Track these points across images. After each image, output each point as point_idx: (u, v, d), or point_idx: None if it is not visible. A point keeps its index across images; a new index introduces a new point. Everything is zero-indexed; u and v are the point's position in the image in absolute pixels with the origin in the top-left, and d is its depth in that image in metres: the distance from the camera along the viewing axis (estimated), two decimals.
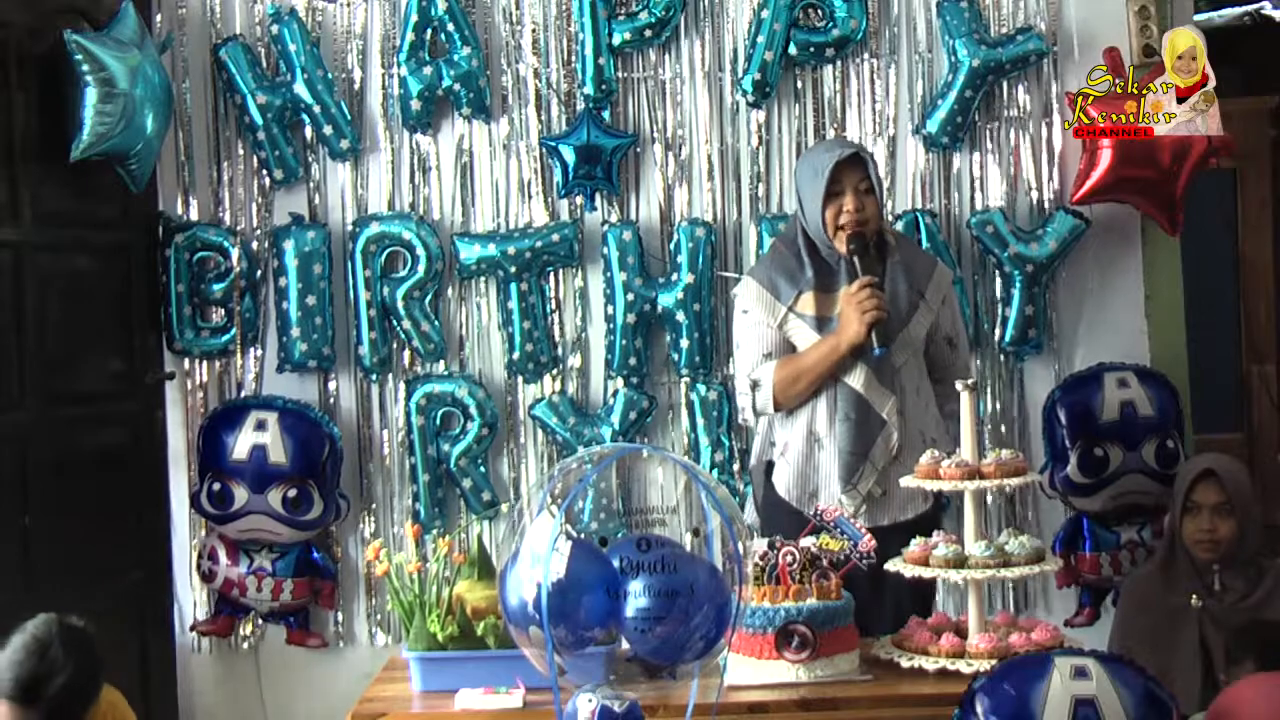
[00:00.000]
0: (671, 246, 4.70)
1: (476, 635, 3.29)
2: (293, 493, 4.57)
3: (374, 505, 4.80)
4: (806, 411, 3.91)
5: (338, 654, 4.80)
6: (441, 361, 4.76)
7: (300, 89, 4.69)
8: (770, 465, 3.98)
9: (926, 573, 3.38)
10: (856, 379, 3.86)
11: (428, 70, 4.70)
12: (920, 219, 4.67)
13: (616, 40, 4.71)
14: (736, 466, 4.65)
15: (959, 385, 3.50)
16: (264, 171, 4.77)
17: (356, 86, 4.80)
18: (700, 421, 4.67)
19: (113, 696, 3.19)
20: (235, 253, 4.71)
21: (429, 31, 4.71)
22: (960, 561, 3.33)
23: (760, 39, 4.68)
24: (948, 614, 3.64)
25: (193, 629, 4.78)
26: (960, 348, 4.07)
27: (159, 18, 4.76)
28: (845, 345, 3.81)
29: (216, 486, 4.60)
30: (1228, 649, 3.61)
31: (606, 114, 4.74)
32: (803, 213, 3.95)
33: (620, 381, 4.72)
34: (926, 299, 3.96)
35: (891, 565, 3.50)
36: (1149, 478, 4.57)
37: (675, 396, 4.75)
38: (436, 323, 4.74)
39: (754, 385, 3.92)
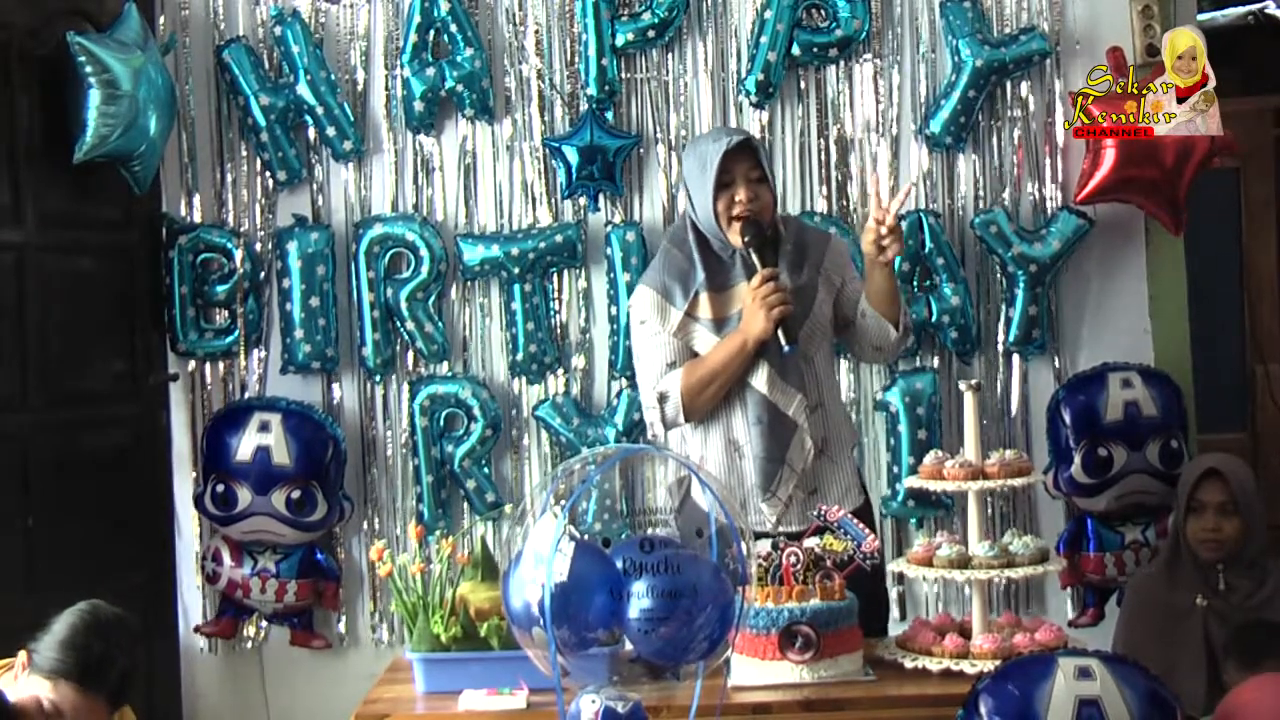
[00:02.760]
0: None
1: (480, 636, 3.30)
2: (296, 494, 4.58)
3: (377, 506, 4.80)
4: (722, 421, 3.76)
5: (341, 655, 4.81)
6: (445, 363, 4.77)
7: (303, 90, 4.69)
8: (683, 482, 3.81)
9: (930, 573, 3.38)
10: (759, 380, 3.70)
11: (431, 71, 4.70)
12: (924, 219, 4.67)
13: (619, 41, 4.71)
14: None
15: (962, 385, 3.50)
16: (267, 173, 4.78)
17: (359, 88, 4.80)
18: None
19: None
20: (239, 254, 4.72)
21: (432, 33, 4.71)
22: (964, 562, 3.33)
23: (763, 39, 4.68)
24: (950, 614, 3.64)
25: (197, 630, 4.78)
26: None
27: (162, 19, 4.76)
28: (752, 342, 3.65)
29: (220, 488, 4.61)
30: (1227, 648, 3.61)
31: (610, 115, 4.74)
32: (692, 207, 3.80)
33: (624, 382, 4.71)
34: (824, 274, 3.81)
35: (895, 565, 3.50)
36: (1153, 478, 4.56)
37: None
38: (440, 324, 4.74)
39: (662, 398, 3.74)
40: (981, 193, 4.77)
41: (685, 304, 3.76)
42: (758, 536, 3.50)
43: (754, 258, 3.69)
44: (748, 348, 3.68)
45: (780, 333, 3.63)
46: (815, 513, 3.39)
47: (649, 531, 2.95)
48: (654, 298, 3.80)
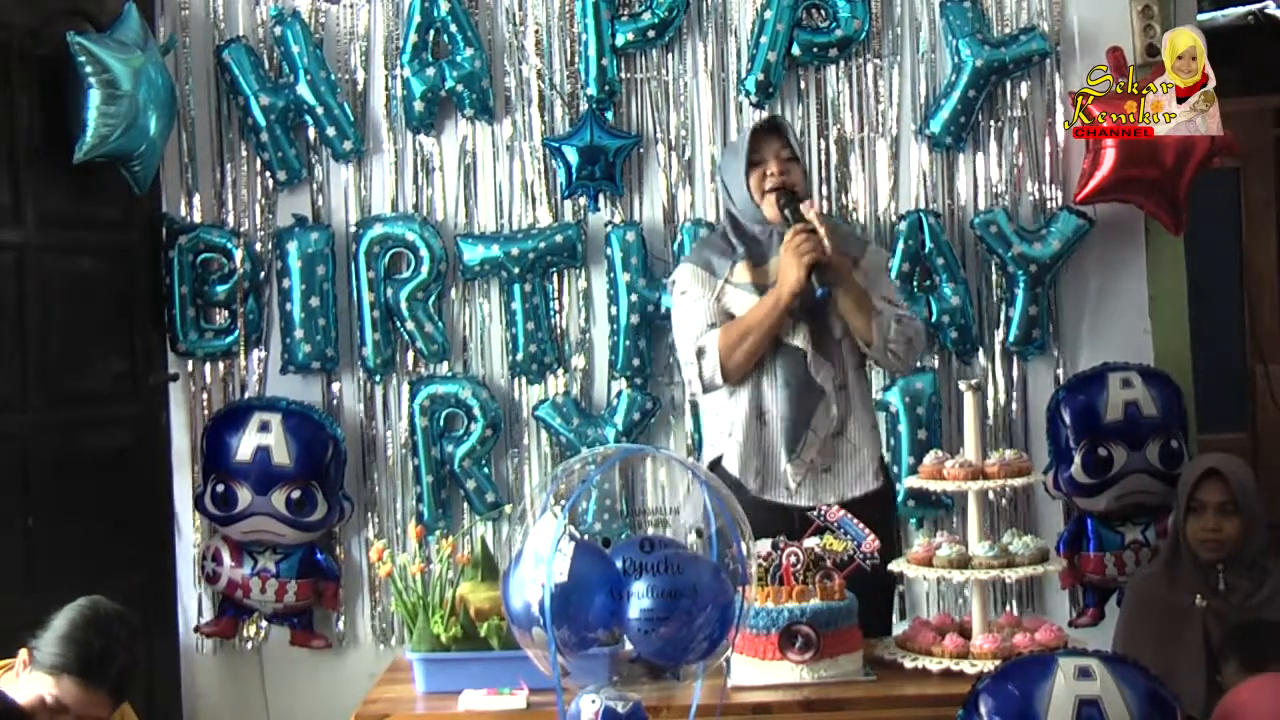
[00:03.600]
0: (675, 247, 4.70)
1: (480, 636, 3.30)
2: (296, 494, 4.58)
3: (377, 506, 4.80)
4: (750, 387, 3.83)
5: (341, 655, 4.81)
6: (445, 363, 4.77)
7: (303, 90, 4.69)
8: (717, 460, 3.88)
9: (930, 573, 3.38)
10: (800, 338, 3.80)
11: (430, 71, 4.70)
12: (924, 219, 4.67)
13: (620, 41, 4.71)
14: None
15: (962, 385, 3.50)
16: (267, 173, 4.78)
17: (359, 88, 4.80)
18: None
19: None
20: (239, 254, 4.72)
21: (432, 33, 4.71)
22: (964, 562, 3.33)
23: (763, 39, 4.68)
24: (950, 614, 3.64)
25: (196, 630, 4.78)
26: (897, 305, 3.92)
27: (162, 19, 4.76)
28: (787, 293, 3.72)
29: (220, 488, 4.61)
30: (1225, 649, 3.60)
31: (610, 115, 4.74)
32: (729, 195, 3.93)
33: (624, 382, 4.72)
34: (861, 266, 3.88)
35: (895, 566, 3.50)
36: (1153, 478, 4.57)
37: (679, 397, 4.75)
38: (440, 324, 4.74)
39: (700, 353, 3.83)
40: (981, 193, 4.77)
41: (725, 271, 3.86)
42: (776, 508, 3.61)
43: (788, 216, 3.77)
44: (783, 302, 3.74)
45: (813, 278, 3.69)
46: (816, 513, 3.39)
47: (649, 531, 2.95)
48: (696, 270, 3.91)
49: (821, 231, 3.71)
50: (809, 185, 3.94)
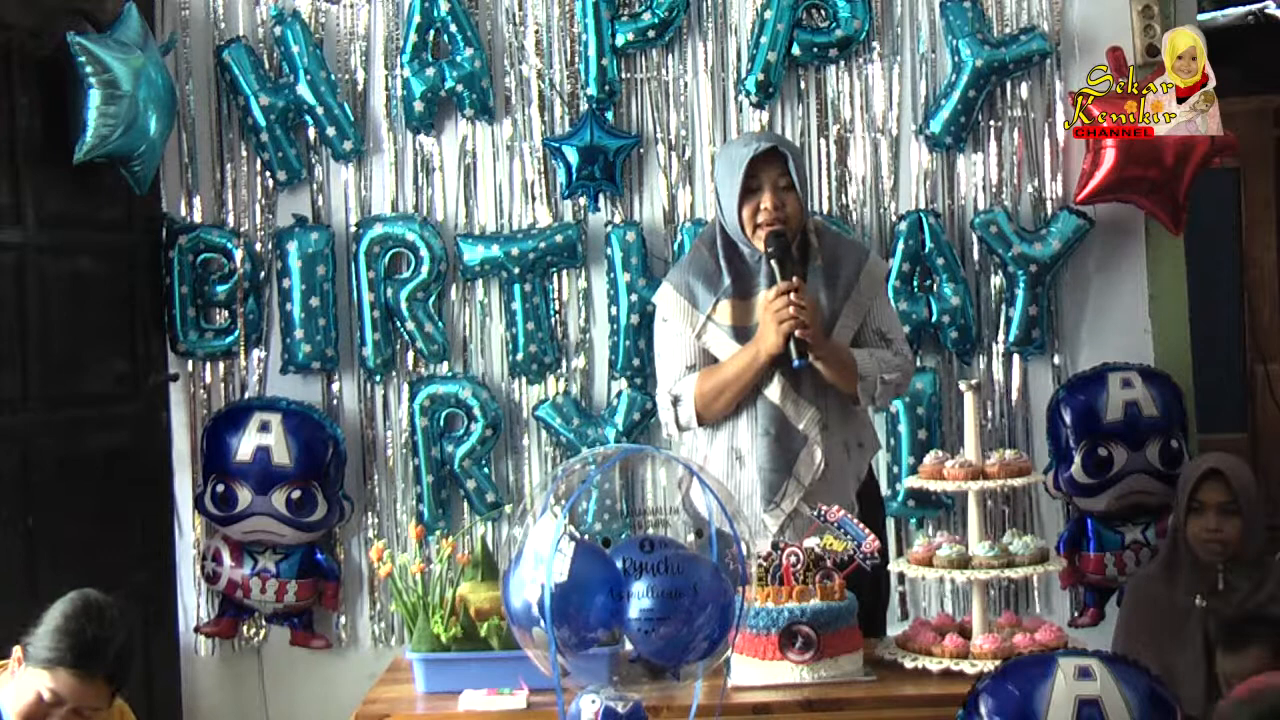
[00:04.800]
0: (675, 247, 4.70)
1: (480, 636, 3.30)
2: (296, 494, 4.58)
3: (377, 506, 4.80)
4: (727, 428, 3.74)
5: (341, 655, 4.81)
6: (445, 363, 4.77)
7: (303, 90, 4.69)
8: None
9: (931, 573, 3.38)
10: (774, 392, 3.68)
11: (430, 71, 4.70)
12: (924, 219, 4.68)
13: (620, 41, 4.71)
14: None
15: (962, 385, 3.50)
16: (267, 173, 4.78)
17: (359, 88, 4.80)
18: None
19: (119, 702, 3.18)
20: (239, 254, 4.72)
21: (432, 33, 4.72)
22: (964, 562, 3.33)
23: (763, 39, 4.68)
24: (950, 614, 3.64)
25: (197, 630, 4.78)
26: (895, 343, 3.80)
27: (162, 19, 4.76)
28: (764, 355, 3.61)
29: (220, 488, 4.61)
30: (1216, 639, 3.60)
31: (610, 115, 4.74)
32: (721, 211, 3.78)
33: (624, 382, 4.72)
34: (853, 298, 3.76)
35: (895, 565, 3.50)
36: (1153, 478, 4.57)
37: None
38: (440, 324, 4.74)
39: (675, 400, 3.74)
40: (981, 193, 4.77)
41: (708, 308, 3.73)
42: None
43: (774, 268, 3.64)
44: (759, 361, 3.65)
45: (791, 347, 3.59)
46: (816, 512, 3.39)
47: (649, 531, 2.95)
48: (676, 298, 3.78)
49: (805, 300, 3.58)
50: (808, 200, 3.80)
